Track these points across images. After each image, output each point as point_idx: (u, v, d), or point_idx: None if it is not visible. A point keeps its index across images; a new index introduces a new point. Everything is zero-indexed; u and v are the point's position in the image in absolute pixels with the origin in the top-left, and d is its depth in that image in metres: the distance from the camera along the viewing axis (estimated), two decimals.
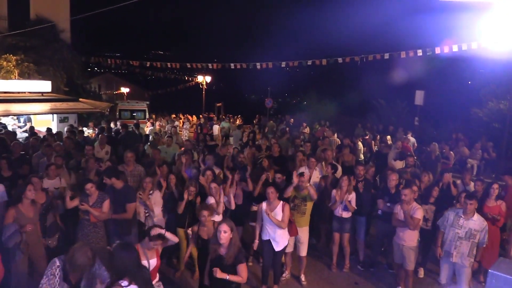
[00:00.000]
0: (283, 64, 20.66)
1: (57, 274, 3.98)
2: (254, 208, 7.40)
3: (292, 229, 6.58)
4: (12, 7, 22.23)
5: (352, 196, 7.31)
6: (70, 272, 3.99)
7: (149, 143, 11.80)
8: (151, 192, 6.99)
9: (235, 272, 4.71)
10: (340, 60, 18.85)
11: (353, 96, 30.20)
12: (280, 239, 6.40)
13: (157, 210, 7.04)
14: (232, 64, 21.74)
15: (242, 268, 4.73)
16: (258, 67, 20.82)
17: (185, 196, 6.75)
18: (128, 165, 7.85)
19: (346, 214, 7.34)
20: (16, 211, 5.58)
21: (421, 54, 17.03)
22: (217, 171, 8.24)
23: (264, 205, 6.45)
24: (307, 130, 19.55)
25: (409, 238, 6.47)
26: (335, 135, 15.09)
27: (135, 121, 17.45)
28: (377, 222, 7.66)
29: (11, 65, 19.63)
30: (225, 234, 4.68)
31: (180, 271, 7.09)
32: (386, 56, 18.15)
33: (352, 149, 11.66)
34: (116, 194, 6.42)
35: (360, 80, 28.30)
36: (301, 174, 6.96)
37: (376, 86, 29.09)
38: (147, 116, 23.05)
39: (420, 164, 10.79)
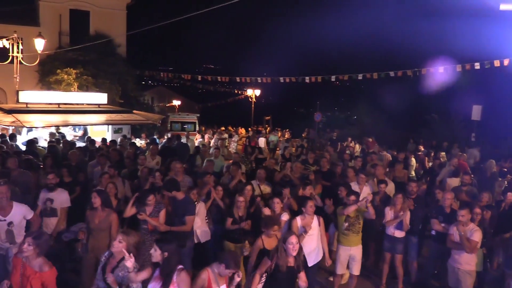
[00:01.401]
0: (333, 78, 20.45)
1: (102, 263, 4.58)
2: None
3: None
4: (74, 24, 23.64)
5: (406, 215, 7.00)
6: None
7: (198, 155, 11.95)
8: (196, 202, 6.98)
9: (292, 283, 4.98)
10: (392, 73, 18.44)
11: (405, 110, 29.36)
12: (314, 254, 6.27)
13: (200, 221, 7.02)
14: (281, 78, 21.82)
15: (303, 275, 4.99)
16: (307, 80, 20.75)
17: (235, 212, 6.75)
18: (177, 176, 7.94)
19: (398, 234, 7.03)
20: (89, 214, 5.93)
21: (478, 67, 16.31)
22: (268, 187, 8.25)
23: (298, 220, 6.29)
24: (352, 144, 19.21)
25: (466, 262, 6.08)
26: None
27: (185, 133, 17.87)
28: (430, 243, 7.28)
29: (71, 78, 20.75)
30: (297, 245, 4.88)
31: None
32: (441, 69, 17.55)
33: (404, 164, 11.27)
34: (176, 206, 6.46)
35: (412, 93, 27.46)
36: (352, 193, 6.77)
37: (430, 100, 28.12)
38: (197, 128, 23.47)
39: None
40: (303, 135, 24.62)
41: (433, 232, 7.00)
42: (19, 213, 5.73)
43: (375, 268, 7.94)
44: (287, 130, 26.72)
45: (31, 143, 11.63)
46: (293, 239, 4.85)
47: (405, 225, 6.94)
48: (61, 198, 6.74)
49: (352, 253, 6.72)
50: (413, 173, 12.48)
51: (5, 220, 5.60)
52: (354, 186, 8.08)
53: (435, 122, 25.25)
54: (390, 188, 8.34)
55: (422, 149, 16.39)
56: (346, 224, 6.62)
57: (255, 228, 6.55)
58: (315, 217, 6.29)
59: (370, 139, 18.34)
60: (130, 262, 4.23)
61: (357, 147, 18.12)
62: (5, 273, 5.70)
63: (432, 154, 15.22)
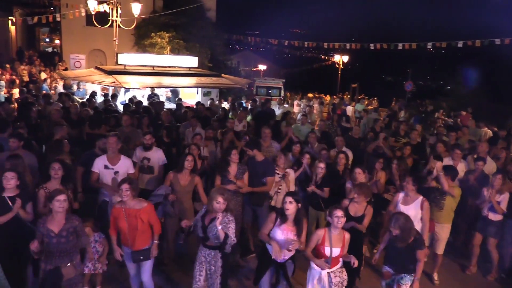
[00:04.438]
0: (429, 45, 19.11)
1: (201, 213, 4.97)
2: (387, 196, 7.10)
3: (429, 225, 6.12)
4: None
5: (504, 197, 6.50)
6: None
7: (284, 121, 11.98)
8: (286, 170, 7.06)
9: (411, 257, 4.91)
10: (497, 41, 16.82)
11: (508, 82, 26.80)
12: None
13: (286, 188, 7.05)
14: (371, 45, 20.90)
15: (419, 254, 4.90)
16: (400, 47, 19.66)
17: (313, 177, 6.79)
18: (265, 141, 8.03)
19: (493, 217, 6.57)
20: (174, 176, 6.20)
21: None
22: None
23: (400, 196, 6.08)
24: (443, 116, 18.03)
25: None
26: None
27: (271, 98, 17.98)
28: None
29: (164, 42, 21.66)
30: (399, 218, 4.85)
31: None
32: None
33: (508, 142, 10.34)
34: (256, 167, 6.59)
35: None
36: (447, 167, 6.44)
37: None
38: (282, 93, 23.43)
39: None
40: (391, 105, 23.59)
41: None
42: (125, 165, 6.24)
43: (465, 248, 7.57)
44: (375, 98, 25.69)
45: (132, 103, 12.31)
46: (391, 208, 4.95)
47: (498, 209, 6.47)
48: (157, 156, 7.07)
49: (435, 230, 6.46)
50: None
51: (112, 168, 6.14)
52: (448, 162, 7.65)
53: None
54: (491, 167, 7.76)
55: None
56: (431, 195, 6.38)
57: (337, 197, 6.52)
58: (419, 199, 5.93)
59: (464, 113, 17.04)
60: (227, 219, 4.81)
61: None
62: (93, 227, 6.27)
63: None
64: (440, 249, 6.57)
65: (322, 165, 6.79)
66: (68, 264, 4.63)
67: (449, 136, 9.78)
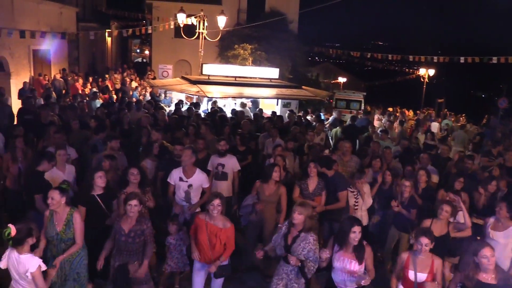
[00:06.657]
0: None
1: (283, 231, 4.85)
2: (475, 220, 6.61)
3: None
4: (251, 1, 25.11)
5: None
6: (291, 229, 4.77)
7: (364, 136, 11.68)
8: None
9: None
10: None
11: None
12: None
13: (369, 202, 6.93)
14: (461, 58, 19.70)
15: None
16: (495, 61, 18.32)
17: (398, 196, 6.51)
18: (345, 155, 7.92)
19: None
20: (259, 186, 6.31)
21: None
22: (435, 176, 7.67)
23: (491, 221, 5.66)
24: None
25: None
26: None
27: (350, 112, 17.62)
28: None
29: (247, 53, 22.16)
30: (492, 258, 4.15)
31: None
32: None
33: None
34: (327, 182, 6.53)
35: None
36: None
37: None
38: (362, 107, 22.87)
39: None
40: (482, 122, 22.02)
41: None
42: (199, 179, 6.31)
43: None
44: (462, 115, 24.16)
45: (214, 113, 12.71)
46: (487, 251, 4.15)
47: None
48: (232, 163, 7.24)
49: None
50: None
51: (187, 181, 6.24)
52: None
53: None
54: None
55: None
56: None
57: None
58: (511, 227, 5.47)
59: None
60: (312, 238, 4.68)
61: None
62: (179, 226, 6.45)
63: None
64: None
65: (407, 183, 6.49)
66: (135, 262, 4.91)
67: None
